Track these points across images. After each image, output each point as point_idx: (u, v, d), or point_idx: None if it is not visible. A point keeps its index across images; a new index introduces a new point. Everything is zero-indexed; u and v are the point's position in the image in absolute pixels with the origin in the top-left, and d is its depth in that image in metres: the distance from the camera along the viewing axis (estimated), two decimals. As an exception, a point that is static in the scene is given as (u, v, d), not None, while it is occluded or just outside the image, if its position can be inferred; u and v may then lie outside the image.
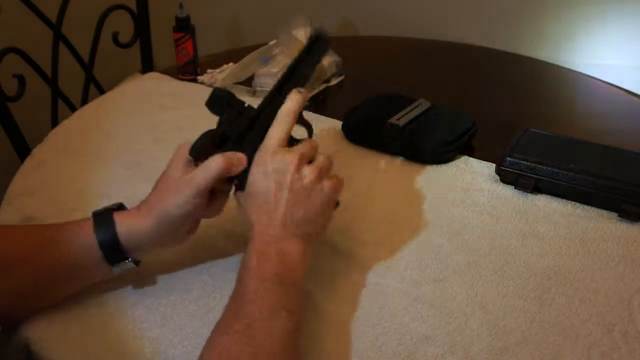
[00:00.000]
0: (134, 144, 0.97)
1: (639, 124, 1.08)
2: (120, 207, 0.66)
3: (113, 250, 0.63)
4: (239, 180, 0.65)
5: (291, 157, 0.64)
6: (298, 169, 0.64)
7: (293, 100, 0.67)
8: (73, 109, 1.22)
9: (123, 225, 0.63)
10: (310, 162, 0.66)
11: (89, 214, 0.82)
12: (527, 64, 1.29)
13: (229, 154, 0.64)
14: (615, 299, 0.68)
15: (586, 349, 0.62)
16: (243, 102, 0.68)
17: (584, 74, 1.23)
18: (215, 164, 0.62)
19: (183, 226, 0.65)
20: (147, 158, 0.93)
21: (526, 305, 0.67)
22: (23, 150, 1.10)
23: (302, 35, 1.16)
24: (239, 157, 0.64)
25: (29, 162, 0.93)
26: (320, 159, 0.66)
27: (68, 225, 0.64)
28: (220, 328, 0.57)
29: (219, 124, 0.67)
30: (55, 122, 1.20)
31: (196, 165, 0.65)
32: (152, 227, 0.63)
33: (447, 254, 0.74)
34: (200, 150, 0.64)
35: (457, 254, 0.75)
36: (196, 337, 0.63)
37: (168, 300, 0.67)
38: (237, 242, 0.75)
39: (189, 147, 0.65)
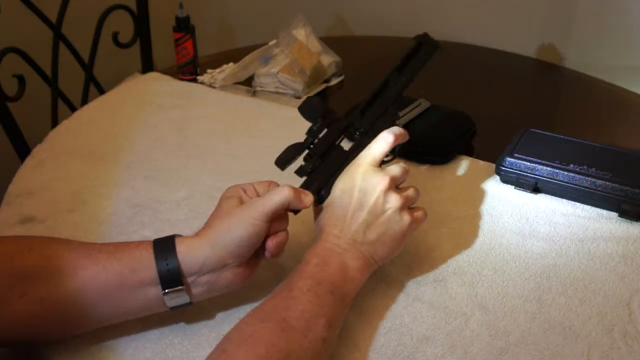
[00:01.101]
0: (133, 144, 0.97)
1: (638, 124, 1.08)
2: (177, 235, 0.63)
3: (170, 273, 0.58)
4: (318, 196, 0.66)
5: (380, 179, 0.64)
6: (385, 192, 0.64)
7: (395, 129, 0.68)
8: (73, 109, 1.22)
9: (181, 244, 0.59)
10: (397, 185, 0.67)
11: (88, 215, 0.82)
12: (527, 63, 1.29)
13: (299, 189, 0.63)
14: (615, 299, 0.68)
15: (586, 349, 0.62)
16: (335, 113, 0.69)
17: (584, 74, 1.23)
18: (284, 192, 0.61)
19: (240, 252, 0.60)
20: (147, 158, 0.93)
21: (526, 305, 0.67)
22: (23, 150, 1.10)
23: (302, 35, 1.16)
24: (307, 196, 0.63)
25: (29, 162, 0.93)
26: (409, 191, 0.67)
27: (126, 243, 0.61)
28: (257, 315, 0.57)
29: (308, 133, 0.68)
30: (55, 122, 1.20)
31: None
32: (211, 246, 0.59)
33: (447, 254, 0.74)
34: (286, 162, 0.65)
35: (457, 253, 0.75)
36: (196, 337, 0.63)
37: (168, 300, 0.67)
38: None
39: (237, 188, 0.64)
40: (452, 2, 1.50)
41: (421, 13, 1.53)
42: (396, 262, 0.73)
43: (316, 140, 0.67)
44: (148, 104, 1.08)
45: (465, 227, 0.79)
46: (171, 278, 0.59)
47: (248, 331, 0.55)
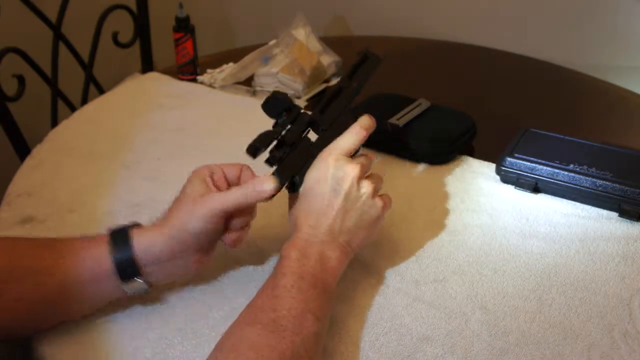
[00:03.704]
0: (133, 144, 0.97)
1: (638, 124, 1.08)
2: (136, 225, 0.64)
3: (126, 263, 0.60)
4: (291, 183, 0.66)
5: (353, 168, 0.65)
6: (358, 180, 0.65)
7: (366, 119, 0.69)
8: (73, 109, 1.22)
9: (138, 236, 0.61)
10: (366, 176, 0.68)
11: (88, 215, 0.82)
12: (528, 63, 1.29)
13: (261, 178, 0.64)
14: (615, 299, 0.68)
15: (586, 349, 0.62)
16: (300, 107, 0.69)
17: (584, 74, 1.23)
18: (246, 190, 0.63)
19: (197, 244, 0.62)
20: (146, 158, 0.93)
21: (526, 305, 0.67)
22: (23, 150, 1.10)
23: (302, 35, 1.16)
24: (268, 183, 0.63)
25: (29, 162, 0.93)
26: (376, 178, 0.68)
27: (81, 239, 0.62)
28: (244, 318, 0.57)
29: (275, 126, 0.68)
30: (55, 122, 1.20)
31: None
32: (167, 239, 0.61)
33: (447, 254, 0.74)
34: (258, 149, 0.64)
35: (457, 254, 0.75)
36: (196, 337, 0.63)
37: (168, 300, 0.67)
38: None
39: (205, 170, 0.65)
40: (452, 2, 1.50)
41: (421, 13, 1.53)
42: (396, 261, 0.73)
43: (284, 131, 0.67)
44: (148, 104, 1.08)
45: (466, 227, 0.79)
46: (128, 269, 0.60)
47: (237, 336, 0.55)
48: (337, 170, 0.65)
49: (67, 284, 0.59)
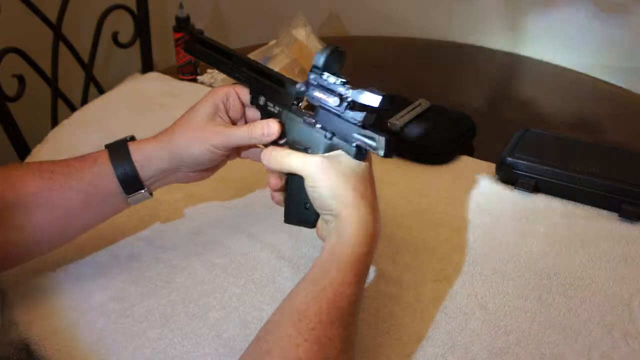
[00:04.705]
0: (134, 144, 0.97)
1: (638, 124, 1.08)
2: (132, 138, 0.67)
3: (131, 181, 0.64)
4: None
5: None
6: None
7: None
8: (73, 109, 1.22)
9: (137, 153, 0.64)
10: None
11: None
12: (527, 63, 1.29)
13: (266, 122, 0.63)
14: (615, 299, 0.68)
15: (586, 349, 0.62)
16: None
17: (584, 74, 1.23)
18: (253, 131, 0.63)
19: (197, 165, 0.66)
20: (147, 158, 0.93)
21: (526, 305, 0.67)
22: (23, 150, 1.10)
23: (302, 35, 1.16)
24: (271, 126, 0.63)
25: (28, 162, 0.93)
26: None
27: (83, 158, 0.65)
28: (301, 324, 0.50)
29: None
30: (55, 122, 1.20)
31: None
32: (166, 156, 0.65)
33: (447, 254, 0.74)
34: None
35: (457, 253, 0.75)
36: (196, 337, 0.63)
37: (168, 300, 0.67)
38: (236, 241, 0.75)
39: (220, 93, 0.66)
40: (452, 2, 1.50)
41: (420, 13, 1.53)
42: (396, 261, 0.73)
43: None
44: (148, 104, 1.08)
45: (465, 227, 0.79)
46: (131, 184, 0.64)
47: (291, 352, 0.49)
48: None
49: (77, 202, 0.63)
